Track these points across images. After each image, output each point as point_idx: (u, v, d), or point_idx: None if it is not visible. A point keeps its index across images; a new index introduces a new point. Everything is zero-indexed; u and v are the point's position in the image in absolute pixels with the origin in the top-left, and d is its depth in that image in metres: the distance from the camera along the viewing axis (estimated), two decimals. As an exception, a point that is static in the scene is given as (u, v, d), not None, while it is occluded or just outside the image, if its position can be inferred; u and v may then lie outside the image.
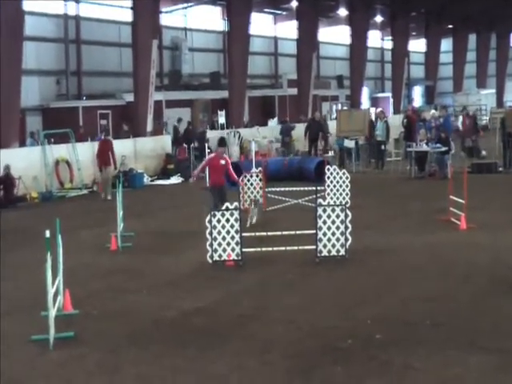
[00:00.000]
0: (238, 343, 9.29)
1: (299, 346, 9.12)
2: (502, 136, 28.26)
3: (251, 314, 10.60)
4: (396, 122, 37.92)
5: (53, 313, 9.48)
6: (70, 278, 11.43)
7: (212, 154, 17.12)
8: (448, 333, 9.41)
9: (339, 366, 8.33)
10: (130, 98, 33.57)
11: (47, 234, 9.31)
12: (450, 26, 65.54)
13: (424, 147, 26.69)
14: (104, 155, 24.09)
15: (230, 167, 16.19)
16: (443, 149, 25.57)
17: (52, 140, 27.05)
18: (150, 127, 32.06)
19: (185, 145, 31.91)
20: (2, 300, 11.63)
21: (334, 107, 50.10)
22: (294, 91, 44.95)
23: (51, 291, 9.46)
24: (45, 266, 9.29)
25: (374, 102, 56.00)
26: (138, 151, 29.33)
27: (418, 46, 67.62)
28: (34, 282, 12.13)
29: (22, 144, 28.37)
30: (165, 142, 31.29)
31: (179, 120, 35.28)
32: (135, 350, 9.09)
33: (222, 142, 16.89)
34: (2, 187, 23.12)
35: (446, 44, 67.64)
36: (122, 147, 27.55)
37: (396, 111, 52.84)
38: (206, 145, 27.89)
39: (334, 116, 44.62)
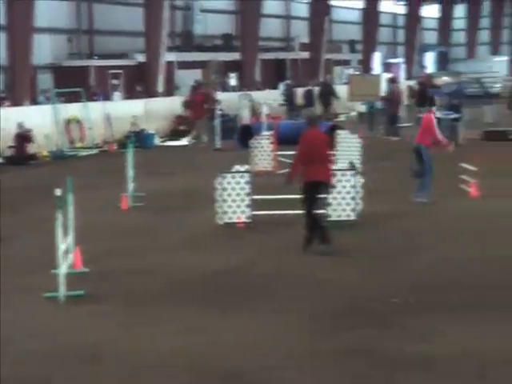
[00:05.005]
0: (260, 303, 9.39)
1: (323, 306, 9.23)
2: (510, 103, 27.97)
3: (269, 274, 10.71)
4: (408, 88, 37.71)
5: (63, 270, 9.55)
6: (79, 238, 11.46)
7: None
8: (474, 297, 9.50)
9: (361, 329, 8.42)
10: (142, 58, 33.45)
11: (57, 192, 9.36)
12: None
13: (436, 114, 26.49)
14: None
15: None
16: (455, 116, 25.43)
17: (63, 98, 27.01)
18: (161, 88, 31.96)
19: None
20: (15, 258, 11.74)
21: (346, 72, 49.75)
22: (306, 55, 44.69)
23: (61, 249, 9.53)
24: (54, 224, 9.36)
25: (387, 67, 55.57)
26: (149, 112, 29.27)
27: (430, 11, 66.86)
28: (45, 240, 12.18)
29: (34, 102, 28.36)
30: (176, 103, 31.21)
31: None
32: (150, 309, 9.18)
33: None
34: (16, 144, 23.11)
35: (460, 10, 66.94)
36: (134, 108, 27.51)
37: (408, 77, 52.46)
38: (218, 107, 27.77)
39: (344, 81, 44.43)
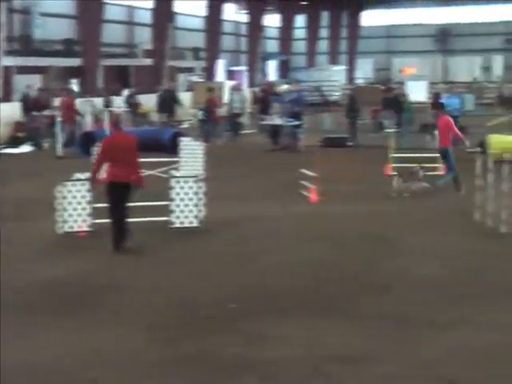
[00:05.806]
0: (100, 313, 9.28)
1: (163, 315, 9.22)
2: (348, 112, 28.93)
3: (109, 283, 10.58)
4: (251, 95, 38.36)
5: None
6: None
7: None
8: (305, 300, 9.74)
9: (200, 336, 8.45)
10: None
11: None
12: (304, 3, 66.67)
13: (277, 120, 27.13)
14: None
15: None
16: (296, 123, 26.08)
17: None
18: (-1, 93, 30.96)
19: (34, 113, 30.87)
20: None
21: (189, 79, 49.95)
22: (150, 61, 44.53)
23: None
24: None
25: (230, 75, 56.27)
26: (-15, 118, 28.18)
27: (272, 20, 68.34)
28: None
29: None
30: (14, 109, 30.21)
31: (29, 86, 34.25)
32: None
33: None
34: None
35: (300, 20, 68.85)
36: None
37: (251, 85, 53.32)
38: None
39: (187, 88, 44.69)
